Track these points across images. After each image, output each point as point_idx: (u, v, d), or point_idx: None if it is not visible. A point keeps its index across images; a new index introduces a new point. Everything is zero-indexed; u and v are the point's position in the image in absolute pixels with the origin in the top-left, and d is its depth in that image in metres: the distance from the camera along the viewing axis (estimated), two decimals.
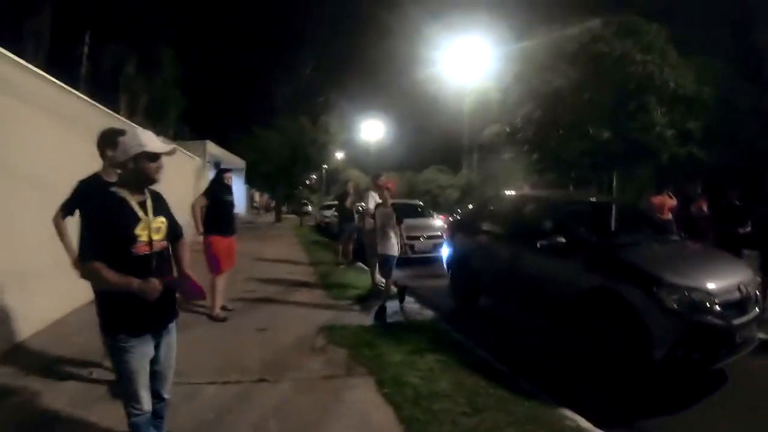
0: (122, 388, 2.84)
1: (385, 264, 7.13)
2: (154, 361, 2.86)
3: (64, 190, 4.63)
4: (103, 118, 8.35)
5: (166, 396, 3.06)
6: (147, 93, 31.57)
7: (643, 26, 16.84)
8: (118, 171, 2.95)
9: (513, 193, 9.27)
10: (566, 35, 17.51)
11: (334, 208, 22.40)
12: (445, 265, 8.78)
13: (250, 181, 34.13)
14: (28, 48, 20.89)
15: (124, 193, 2.74)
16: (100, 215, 2.69)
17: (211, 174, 18.11)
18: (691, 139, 16.37)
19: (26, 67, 5.90)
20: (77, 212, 4.16)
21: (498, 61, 21.69)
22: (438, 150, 37.52)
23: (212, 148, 22.11)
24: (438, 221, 14.77)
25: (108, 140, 4.16)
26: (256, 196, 48.63)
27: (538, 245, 5.87)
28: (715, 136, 17.87)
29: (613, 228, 7.04)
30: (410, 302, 7.68)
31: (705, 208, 9.47)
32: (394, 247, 7.07)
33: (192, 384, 4.29)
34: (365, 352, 5.23)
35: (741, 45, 20.95)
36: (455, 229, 9.00)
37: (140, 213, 2.74)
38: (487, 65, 23.27)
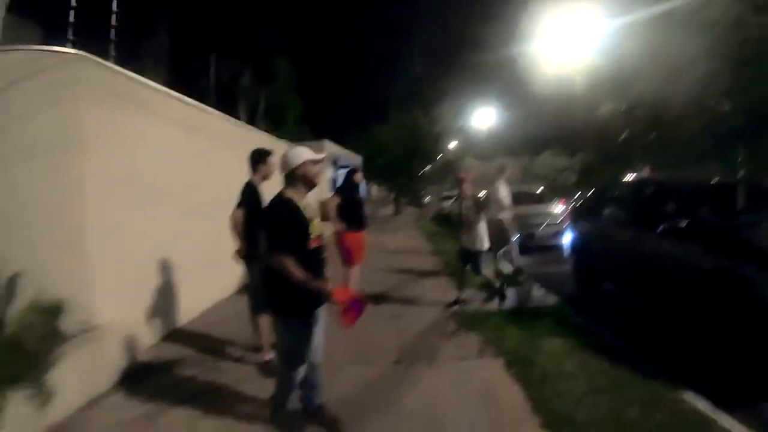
0: (286, 362, 3.52)
1: (472, 259, 7.27)
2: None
3: (211, 195, 5.64)
4: (238, 130, 9.47)
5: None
6: (264, 100, 33.41)
7: None
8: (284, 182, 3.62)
9: (632, 176, 9.18)
10: (676, 4, 16.70)
11: (453, 199, 22.65)
12: (566, 252, 8.93)
13: (368, 175, 35.06)
14: (148, 65, 22.61)
15: (296, 199, 3.46)
16: (286, 219, 3.37)
17: (330, 172, 19.06)
18: None
19: (171, 94, 7.10)
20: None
21: (608, 37, 21.02)
22: (552, 133, 36.49)
23: (330, 147, 23.20)
24: (557, 208, 14.53)
25: (258, 158, 5.25)
26: (374, 189, 49.77)
27: (659, 229, 5.91)
28: None
29: (737, 209, 6.90)
30: (534, 288, 8.01)
31: None
32: (481, 242, 7.17)
33: (337, 364, 4.91)
34: (493, 335, 5.63)
35: None
36: (576, 216, 9.12)
37: (307, 214, 3.44)
38: (597, 41, 22.50)
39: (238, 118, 9.95)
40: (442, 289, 8.43)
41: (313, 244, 3.43)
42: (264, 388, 4.29)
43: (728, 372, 4.68)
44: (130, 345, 5.47)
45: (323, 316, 3.63)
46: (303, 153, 3.50)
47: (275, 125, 29.40)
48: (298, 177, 3.48)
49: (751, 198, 7.08)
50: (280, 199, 3.46)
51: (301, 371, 3.52)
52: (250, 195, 5.19)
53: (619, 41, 18.42)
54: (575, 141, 33.44)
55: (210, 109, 8.68)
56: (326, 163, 20.18)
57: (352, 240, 7.19)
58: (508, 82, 36.96)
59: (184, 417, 4.18)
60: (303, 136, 27.05)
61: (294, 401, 3.61)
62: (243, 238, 5.11)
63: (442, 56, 47.87)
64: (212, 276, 7.66)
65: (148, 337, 5.99)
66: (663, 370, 4.61)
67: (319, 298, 3.40)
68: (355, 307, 3.40)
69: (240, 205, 5.18)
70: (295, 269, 3.21)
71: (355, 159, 27.72)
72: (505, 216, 9.24)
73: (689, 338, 5.71)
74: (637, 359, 4.88)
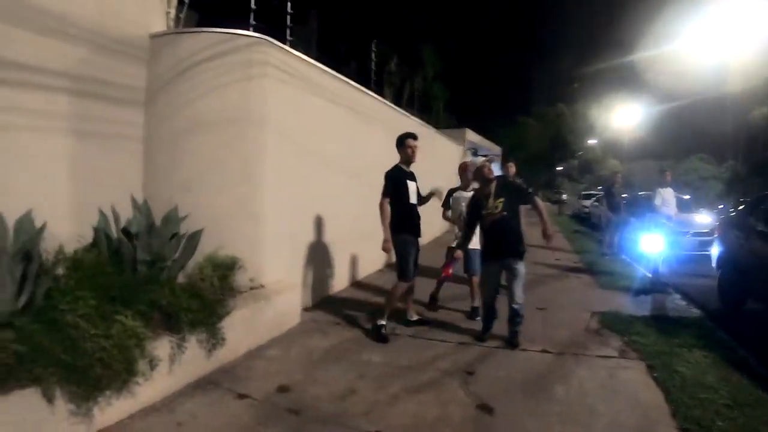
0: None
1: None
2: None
3: (366, 175, 6.11)
4: (393, 113, 9.96)
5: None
6: (410, 86, 33.95)
7: None
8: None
9: None
10: None
11: (594, 198, 21.92)
12: (713, 264, 8.48)
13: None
14: (298, 50, 23.62)
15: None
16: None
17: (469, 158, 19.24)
18: None
19: (337, 77, 7.63)
20: None
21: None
22: (699, 138, 34.06)
23: (471, 136, 23.40)
24: (707, 217, 13.74)
25: (397, 142, 5.93)
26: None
27: None
28: None
29: None
30: (676, 299, 7.77)
31: None
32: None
33: (492, 348, 5.43)
34: (636, 339, 5.63)
35: None
36: (725, 227, 8.64)
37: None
38: (754, 39, 20.59)
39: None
40: (583, 287, 8.53)
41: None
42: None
43: None
44: (292, 304, 6.07)
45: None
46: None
47: (420, 111, 29.85)
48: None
49: None
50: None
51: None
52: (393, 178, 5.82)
53: None
54: (723, 147, 31.18)
55: (369, 92, 9.21)
56: (466, 151, 20.39)
57: None
58: (654, 83, 35.03)
59: (344, 368, 4.79)
60: (447, 123, 27.27)
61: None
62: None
63: (589, 51, 46.08)
64: (366, 249, 8.21)
65: (306, 298, 6.66)
66: None
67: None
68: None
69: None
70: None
71: (495, 149, 27.61)
72: (669, 219, 8.98)
73: None
74: None
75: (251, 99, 5.68)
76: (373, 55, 31.67)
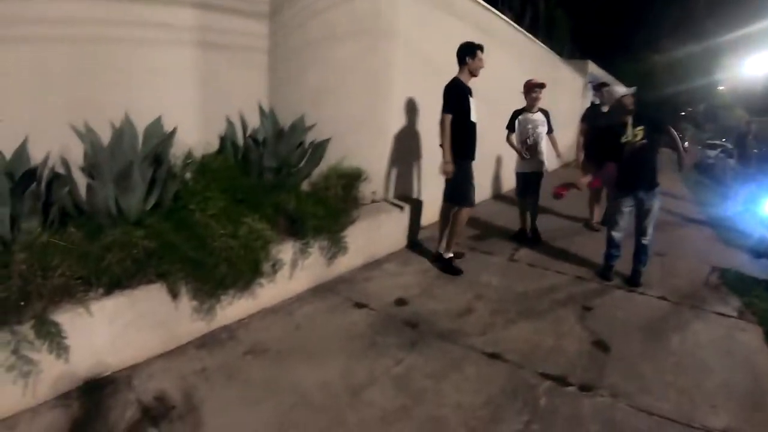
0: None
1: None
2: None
3: (492, 97, 5.95)
4: (520, 37, 9.54)
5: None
6: (531, 10, 32.09)
7: None
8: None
9: None
10: None
11: (720, 149, 20.46)
12: None
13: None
14: None
15: None
16: None
17: (589, 93, 18.39)
18: None
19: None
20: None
21: None
22: None
23: (593, 68, 22.22)
24: None
25: (466, 51, 5.30)
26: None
27: None
28: None
29: None
30: None
31: None
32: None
33: (610, 286, 5.42)
34: (757, 302, 5.28)
35: None
36: None
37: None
38: None
39: None
40: (704, 239, 8.11)
41: None
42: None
43: None
44: (412, 220, 6.13)
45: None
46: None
47: (545, 38, 28.30)
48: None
49: None
50: None
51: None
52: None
53: None
54: None
55: (498, 14, 8.86)
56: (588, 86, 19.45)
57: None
58: None
59: (461, 287, 4.88)
60: (570, 54, 25.83)
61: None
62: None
63: None
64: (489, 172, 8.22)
65: (429, 215, 6.59)
66: None
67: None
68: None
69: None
70: None
71: (620, 87, 26.16)
72: None
73: None
74: None
75: (382, 10, 5.58)
76: None
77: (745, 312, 5.06)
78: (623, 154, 5.22)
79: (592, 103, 7.40)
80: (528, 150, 6.49)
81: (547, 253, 6.35)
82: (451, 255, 5.51)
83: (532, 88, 6.48)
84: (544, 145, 6.58)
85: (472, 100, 5.26)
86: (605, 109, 7.13)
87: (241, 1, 5.19)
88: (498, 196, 9.96)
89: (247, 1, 5.26)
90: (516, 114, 6.67)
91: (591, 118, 7.45)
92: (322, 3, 5.39)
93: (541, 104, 6.36)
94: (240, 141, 4.86)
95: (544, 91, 6.57)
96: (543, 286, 5.17)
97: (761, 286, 5.86)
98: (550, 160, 6.74)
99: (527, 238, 6.77)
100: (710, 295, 5.43)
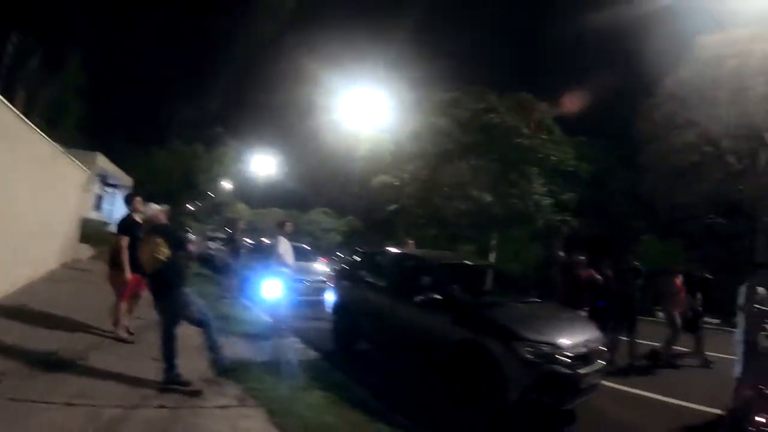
0: None
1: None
2: None
3: None
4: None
5: None
6: (48, 93, 29.27)
7: (535, 104, 18.93)
8: None
9: (396, 249, 9.80)
10: (461, 101, 19.18)
11: (221, 242, 21.91)
12: (329, 309, 9.13)
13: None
14: None
15: None
16: None
17: (97, 188, 17.52)
18: (567, 209, 18.36)
19: None
20: None
21: (394, 112, 22.90)
22: (326, 192, 37.98)
23: (103, 162, 21.24)
24: (323, 266, 15.08)
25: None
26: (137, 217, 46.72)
27: (416, 300, 6.66)
28: (588, 209, 20.04)
29: (483, 288, 8.04)
30: (295, 343, 8.16)
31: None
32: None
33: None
34: (255, 385, 5.56)
35: (622, 132, 23.03)
36: (340, 277, 9.59)
37: None
38: (383, 116, 24.33)
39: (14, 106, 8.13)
40: (197, 333, 8.01)
41: None
42: None
43: (474, 425, 5.60)
44: None
45: None
46: None
47: (52, 124, 25.38)
48: None
49: (497, 280, 8.39)
50: None
51: None
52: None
53: (405, 121, 20.34)
54: (347, 204, 35.08)
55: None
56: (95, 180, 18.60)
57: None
58: (293, 137, 37.90)
59: None
60: (77, 143, 23.87)
61: None
62: None
63: (235, 100, 47.48)
64: None
65: None
66: (416, 424, 5.20)
67: None
68: None
69: None
70: None
71: (126, 180, 25.72)
72: (287, 269, 9.25)
73: (439, 395, 6.52)
74: (392, 413, 5.30)
75: None
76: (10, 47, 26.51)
77: (246, 398, 5.23)
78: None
79: (129, 214, 7.00)
80: None
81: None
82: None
83: None
84: None
85: None
86: (138, 218, 6.87)
87: None
88: None
89: None
90: None
91: (128, 229, 6.99)
92: None
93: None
94: None
95: None
96: None
97: (258, 368, 6.29)
98: None
99: None
100: (208, 390, 5.29)
